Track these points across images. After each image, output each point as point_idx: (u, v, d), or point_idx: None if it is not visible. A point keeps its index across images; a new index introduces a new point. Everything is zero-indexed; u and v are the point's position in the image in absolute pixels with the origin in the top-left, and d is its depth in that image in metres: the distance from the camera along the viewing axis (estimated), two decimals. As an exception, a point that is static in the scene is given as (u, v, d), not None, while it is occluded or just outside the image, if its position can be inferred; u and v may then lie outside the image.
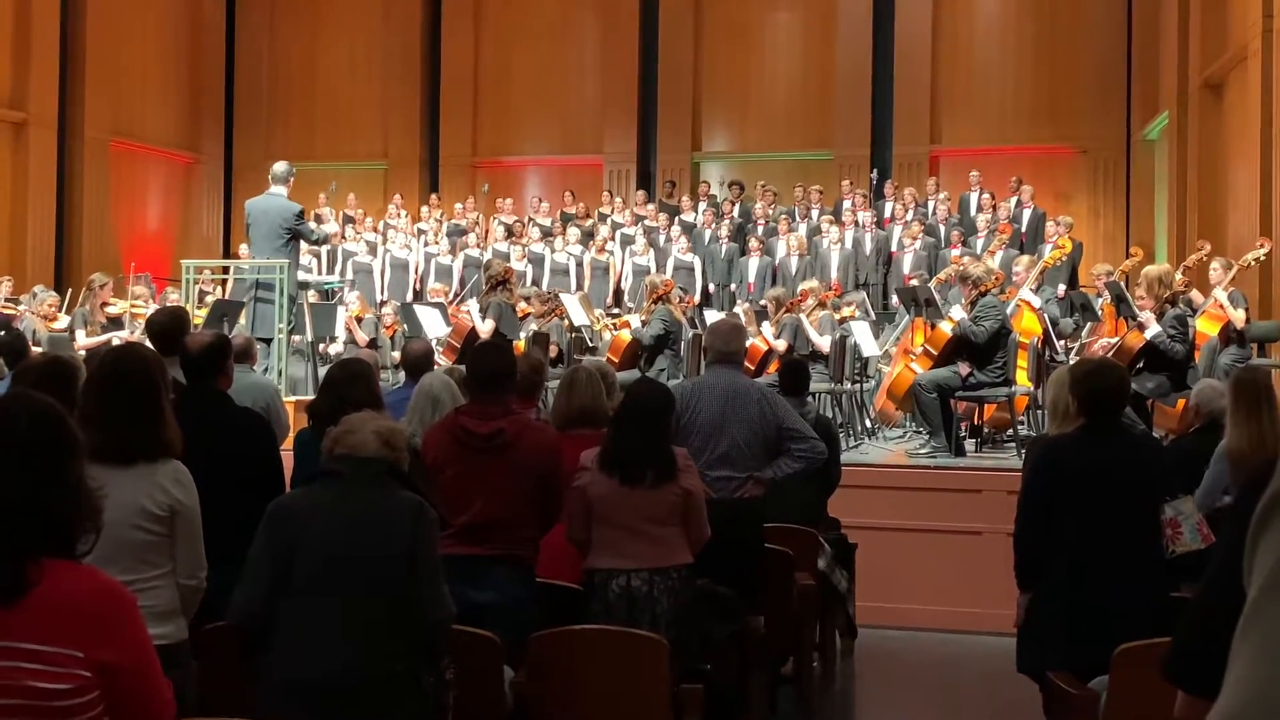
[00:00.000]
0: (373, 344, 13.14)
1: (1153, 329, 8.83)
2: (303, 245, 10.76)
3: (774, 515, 6.64)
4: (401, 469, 3.74)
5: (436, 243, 16.89)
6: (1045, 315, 10.87)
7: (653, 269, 15.28)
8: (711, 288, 16.02)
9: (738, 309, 13.62)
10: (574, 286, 15.34)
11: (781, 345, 10.67)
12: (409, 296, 15.88)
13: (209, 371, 4.88)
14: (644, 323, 11.69)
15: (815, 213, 16.64)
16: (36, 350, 8.92)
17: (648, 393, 4.92)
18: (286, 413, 7.08)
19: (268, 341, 9.98)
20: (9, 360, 7.82)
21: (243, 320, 10.13)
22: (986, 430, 10.57)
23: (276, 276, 10.03)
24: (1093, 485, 4.50)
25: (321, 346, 12.61)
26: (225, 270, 12.88)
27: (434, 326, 11.86)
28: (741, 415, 5.59)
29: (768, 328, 10.98)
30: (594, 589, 4.68)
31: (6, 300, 13.13)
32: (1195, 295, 10.55)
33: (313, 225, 10.63)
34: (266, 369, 9.78)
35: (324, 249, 16.61)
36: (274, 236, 10.09)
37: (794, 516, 6.67)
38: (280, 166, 10.52)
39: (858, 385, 11.31)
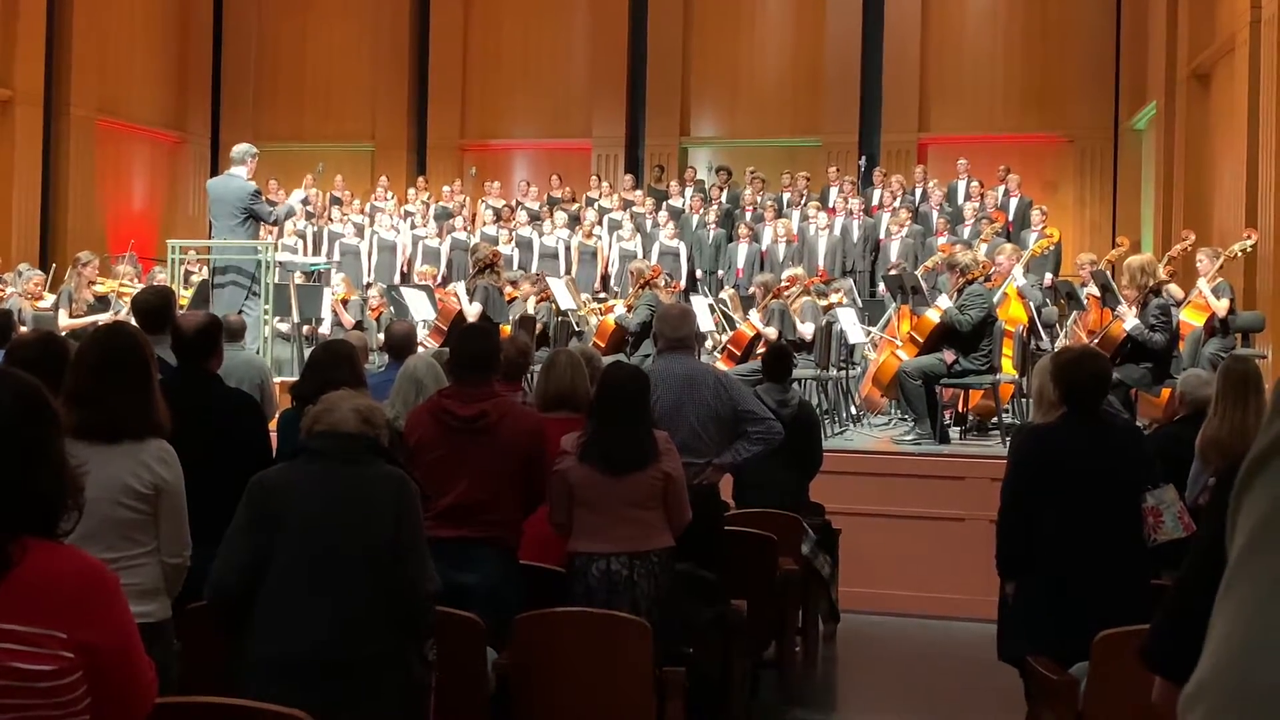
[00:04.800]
0: (359, 326, 13.11)
1: (1130, 321, 8.83)
2: (289, 225, 10.70)
3: (757, 500, 6.68)
4: (382, 445, 3.73)
5: (424, 225, 16.85)
6: (1031, 303, 10.90)
7: (639, 254, 15.26)
8: (699, 274, 16.01)
9: (724, 294, 13.62)
10: (561, 271, 15.32)
11: (772, 333, 10.65)
12: (395, 279, 15.86)
13: (201, 352, 4.87)
14: (629, 308, 11.68)
15: (803, 199, 16.63)
16: (23, 329, 8.88)
17: (621, 377, 4.89)
18: (275, 390, 7.07)
19: None
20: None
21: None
22: (972, 418, 10.59)
23: (234, 256, 10.01)
24: (1074, 474, 4.51)
25: (308, 328, 12.59)
26: (211, 250, 12.82)
27: (421, 309, 11.85)
28: (697, 400, 5.53)
29: (755, 315, 10.97)
30: (575, 572, 4.68)
31: (-8, 279, 13.06)
32: (1174, 289, 10.55)
33: (269, 207, 10.55)
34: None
35: (309, 230, 16.57)
36: (230, 217, 10.08)
37: (776, 501, 6.70)
38: (238, 147, 10.48)
39: (843, 372, 11.32)
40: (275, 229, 12.84)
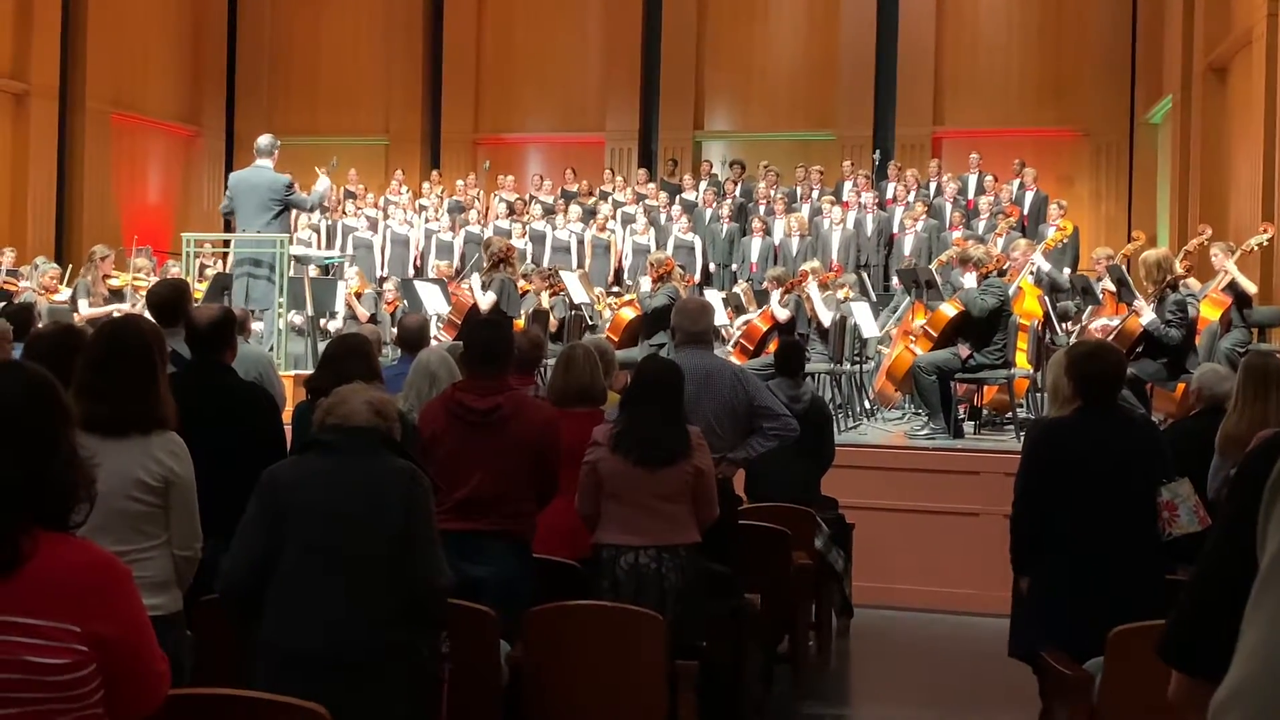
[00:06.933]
0: (373, 319, 13.13)
1: (1147, 316, 8.79)
2: (303, 219, 10.68)
3: (770, 494, 6.67)
4: (394, 438, 3.72)
5: (437, 219, 16.87)
6: (1053, 285, 10.88)
7: (653, 248, 15.24)
8: (712, 267, 15.99)
9: (737, 289, 13.59)
10: (575, 264, 15.31)
11: (785, 313, 10.64)
12: (409, 272, 15.87)
13: (215, 345, 4.86)
14: (655, 284, 11.62)
15: (816, 193, 16.59)
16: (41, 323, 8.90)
17: (658, 371, 4.89)
18: (281, 382, 7.05)
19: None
20: (17, 332, 7.80)
21: (235, 294, 10.09)
22: (986, 412, 10.56)
23: (267, 251, 9.99)
24: (1089, 468, 4.49)
25: (322, 322, 12.60)
26: (226, 244, 12.85)
27: (435, 303, 11.85)
28: (714, 395, 5.48)
29: (777, 295, 10.94)
30: (602, 565, 4.67)
31: (9, 273, 13.08)
32: (1192, 282, 10.51)
33: (303, 194, 10.53)
34: (261, 342, 9.76)
35: (323, 224, 16.59)
36: (263, 210, 9.98)
37: (790, 495, 6.69)
38: (264, 139, 10.40)
39: (857, 366, 11.30)
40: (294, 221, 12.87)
